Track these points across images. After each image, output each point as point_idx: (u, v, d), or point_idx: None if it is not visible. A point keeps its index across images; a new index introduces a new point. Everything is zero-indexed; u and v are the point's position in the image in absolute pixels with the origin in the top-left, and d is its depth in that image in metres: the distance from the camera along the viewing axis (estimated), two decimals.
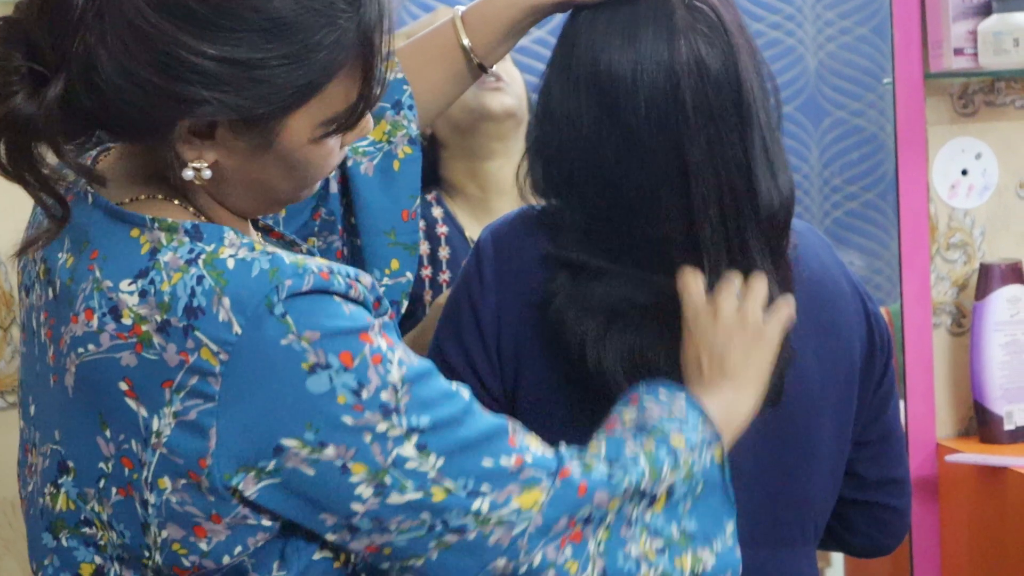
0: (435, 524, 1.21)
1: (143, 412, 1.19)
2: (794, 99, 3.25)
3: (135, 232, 1.23)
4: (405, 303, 1.60)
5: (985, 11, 2.29)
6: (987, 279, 2.35)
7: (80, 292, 1.23)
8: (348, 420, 1.18)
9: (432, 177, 2.16)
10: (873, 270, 3.27)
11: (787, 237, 1.48)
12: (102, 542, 1.25)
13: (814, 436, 1.54)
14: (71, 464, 1.25)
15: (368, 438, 1.18)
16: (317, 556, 1.25)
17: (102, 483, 1.23)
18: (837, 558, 2.93)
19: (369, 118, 1.29)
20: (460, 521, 1.21)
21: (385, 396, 1.18)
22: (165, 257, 1.21)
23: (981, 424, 2.37)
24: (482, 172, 2.13)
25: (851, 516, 1.65)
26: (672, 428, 1.33)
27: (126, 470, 1.21)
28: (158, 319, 1.19)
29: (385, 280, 1.58)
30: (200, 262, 1.20)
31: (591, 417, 1.47)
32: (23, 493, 1.33)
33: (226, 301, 1.17)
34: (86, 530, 1.26)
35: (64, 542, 1.26)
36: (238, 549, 1.21)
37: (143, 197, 1.27)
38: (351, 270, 1.23)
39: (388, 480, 1.19)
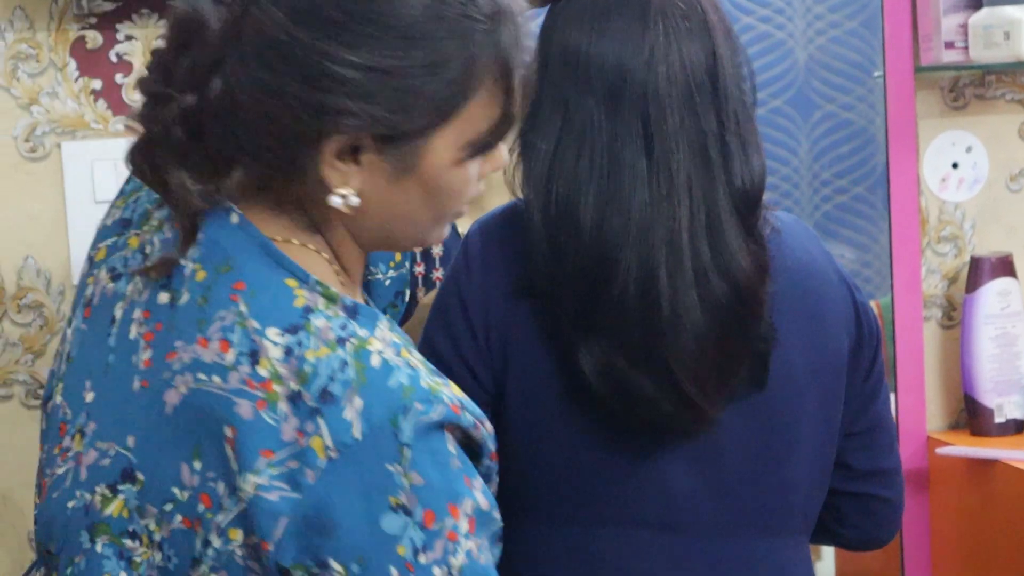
0: None
1: (234, 466, 1.17)
2: (784, 93, 3.25)
3: (291, 282, 1.21)
4: (408, 291, 1.62)
5: (975, 4, 2.29)
6: (977, 272, 2.35)
7: (216, 318, 1.20)
8: (394, 572, 1.16)
9: None
10: (863, 263, 3.27)
11: (758, 214, 1.48)
12: (138, 559, 1.22)
13: (798, 423, 1.54)
14: (141, 476, 1.22)
15: None
16: None
17: (168, 507, 1.20)
18: (827, 551, 2.94)
19: (504, 147, 1.29)
20: None
21: (437, 572, 1.16)
22: (318, 322, 1.19)
23: (971, 417, 2.37)
24: None
25: (843, 508, 1.66)
26: None
27: (202, 506, 1.19)
28: (292, 387, 1.17)
29: (390, 272, 1.58)
30: (349, 346, 1.18)
31: (580, 403, 1.48)
32: (47, 472, 1.29)
33: (358, 401, 1.16)
34: (127, 542, 1.22)
35: (98, 547, 1.23)
36: None
37: (295, 242, 1.24)
38: (478, 410, 1.23)
39: None
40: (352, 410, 1.16)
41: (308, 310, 1.20)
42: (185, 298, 1.22)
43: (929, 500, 2.38)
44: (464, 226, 2.11)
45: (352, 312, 1.22)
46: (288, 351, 1.17)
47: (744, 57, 1.50)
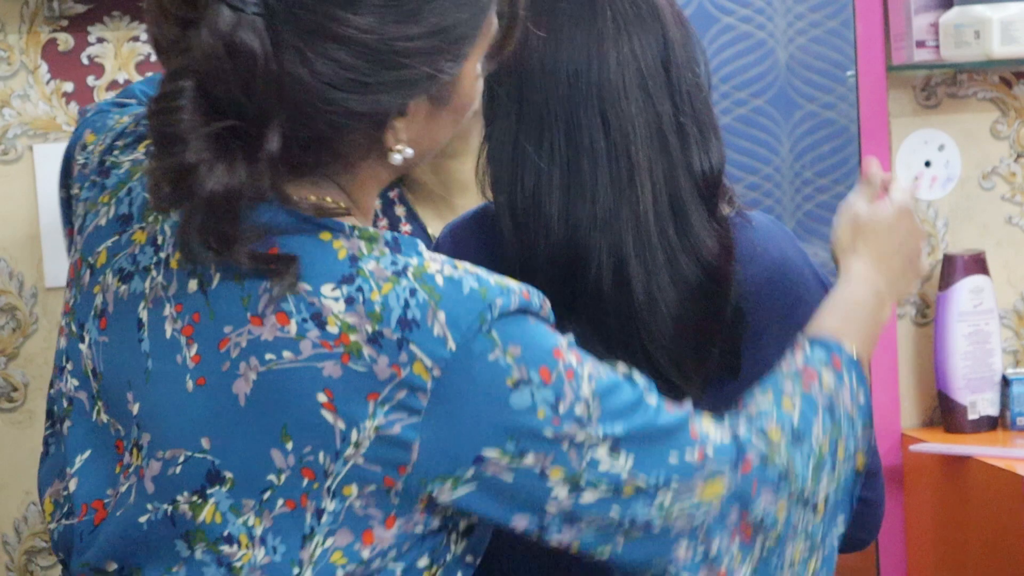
0: (623, 519, 1.23)
1: (340, 425, 1.16)
2: (765, 93, 3.25)
3: (326, 236, 1.19)
4: None
5: (946, 3, 2.30)
6: (950, 270, 2.36)
7: (262, 292, 1.17)
8: (548, 432, 1.19)
9: None
10: None
11: (719, 197, 1.49)
12: (239, 563, 1.19)
13: None
14: (228, 475, 1.18)
15: (566, 446, 1.20)
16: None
17: (267, 495, 1.18)
18: None
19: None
20: (646, 514, 1.23)
21: (579, 410, 1.20)
22: (368, 266, 1.18)
23: (945, 414, 2.38)
24: (444, 169, 2.12)
25: None
26: (835, 434, 1.39)
27: (305, 480, 1.18)
28: (369, 329, 1.16)
29: None
30: (410, 275, 1.18)
31: None
32: (105, 493, 1.25)
33: (441, 315, 1.17)
34: (224, 547, 1.19)
35: (198, 554, 1.20)
36: (392, 552, 1.21)
37: (312, 198, 1.21)
38: (538, 291, 1.24)
39: (583, 481, 1.21)
40: (439, 326, 1.16)
41: (354, 259, 1.18)
42: (217, 279, 1.19)
43: (904, 497, 2.39)
44: (436, 230, 2.12)
45: (394, 246, 1.21)
46: (350, 300, 1.16)
47: (697, 42, 1.50)
